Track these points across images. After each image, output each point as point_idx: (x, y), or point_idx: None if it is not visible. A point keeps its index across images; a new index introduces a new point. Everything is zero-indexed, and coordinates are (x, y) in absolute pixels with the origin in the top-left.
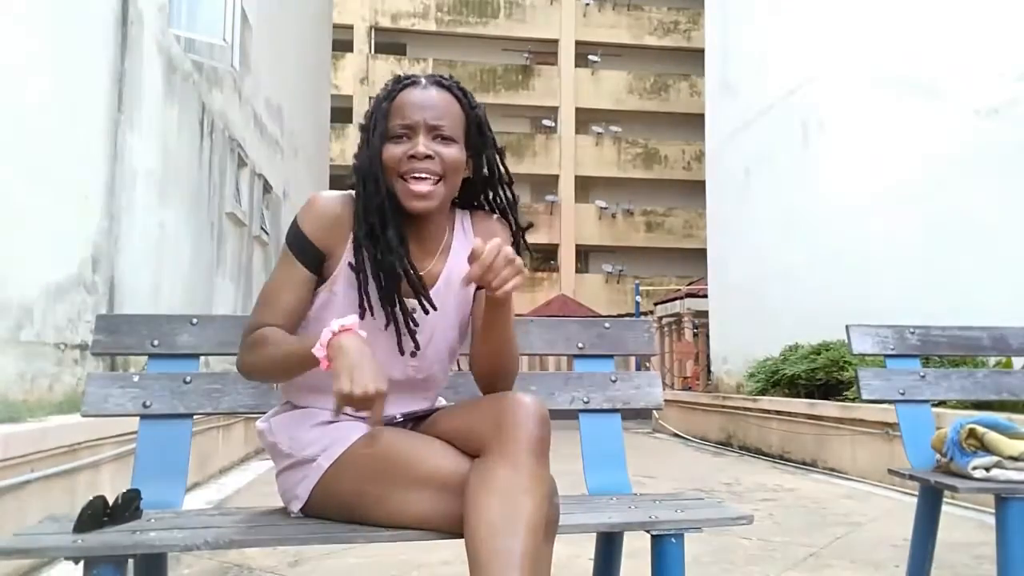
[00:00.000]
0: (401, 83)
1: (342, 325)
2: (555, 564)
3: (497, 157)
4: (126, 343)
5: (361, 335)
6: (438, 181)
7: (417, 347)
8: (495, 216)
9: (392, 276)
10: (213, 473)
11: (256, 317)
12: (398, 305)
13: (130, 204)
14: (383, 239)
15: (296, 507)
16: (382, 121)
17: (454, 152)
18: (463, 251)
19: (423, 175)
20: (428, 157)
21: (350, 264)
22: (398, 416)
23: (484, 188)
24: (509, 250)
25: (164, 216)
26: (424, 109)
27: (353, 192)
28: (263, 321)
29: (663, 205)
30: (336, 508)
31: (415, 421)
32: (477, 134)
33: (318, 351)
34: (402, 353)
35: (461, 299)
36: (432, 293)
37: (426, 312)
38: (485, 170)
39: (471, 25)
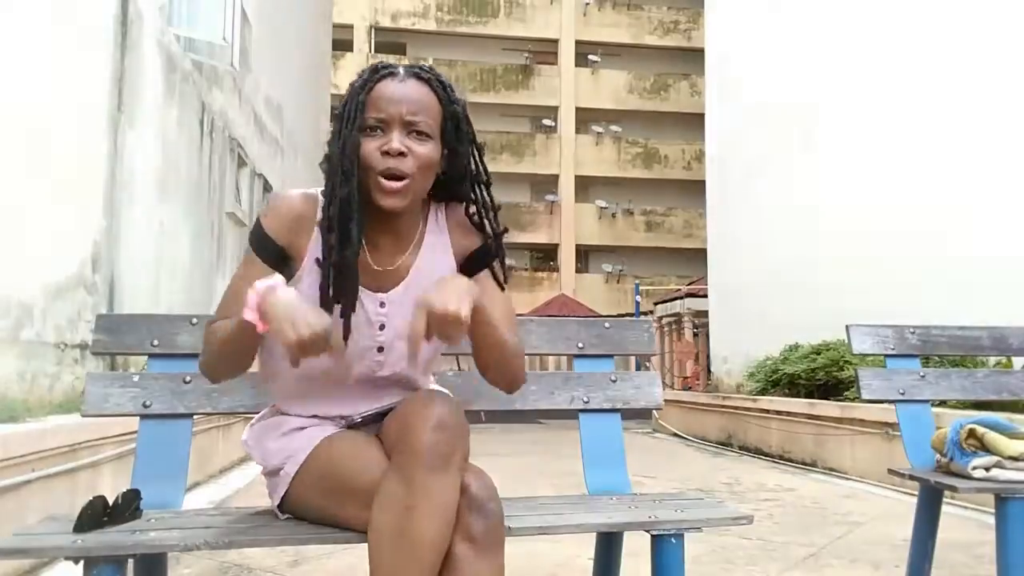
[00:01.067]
0: (378, 73)
1: (266, 285)
2: (555, 564)
3: (475, 154)
4: (126, 343)
5: (288, 289)
6: (409, 178)
7: (345, 336)
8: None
9: (347, 269)
10: (213, 473)
11: (214, 313)
12: (346, 300)
13: (130, 203)
14: (343, 232)
15: (282, 516)
16: (359, 113)
17: (428, 149)
18: (435, 246)
19: (395, 173)
20: (401, 154)
21: (317, 260)
22: (356, 417)
23: (459, 185)
24: (435, 307)
25: (164, 215)
26: (400, 103)
27: (316, 191)
28: (217, 314)
29: (663, 205)
30: (307, 515)
31: (382, 417)
32: (454, 130)
33: (248, 315)
34: (345, 339)
35: None
36: (401, 287)
37: (345, 312)
38: (461, 167)
39: (471, 25)
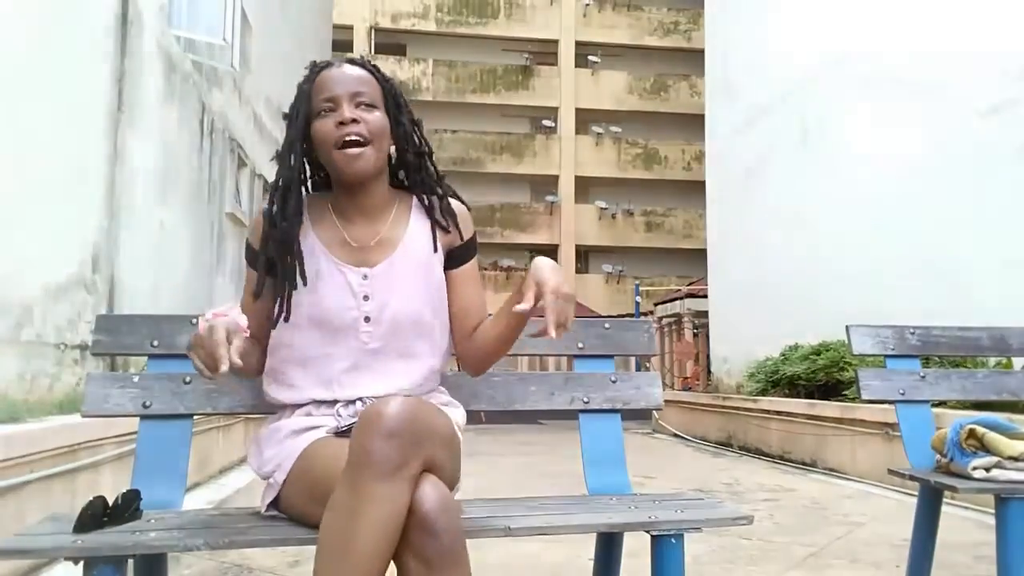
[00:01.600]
0: (318, 67)
1: (214, 312)
2: (555, 564)
3: (416, 129)
4: (126, 343)
5: (236, 319)
6: (367, 144)
7: (280, 315)
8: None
9: (286, 241)
10: (213, 473)
11: None
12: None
13: (130, 204)
14: (283, 205)
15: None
16: (305, 103)
17: (378, 116)
18: (422, 231)
19: (354, 137)
20: (355, 121)
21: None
22: (342, 426)
23: (405, 157)
24: (562, 288)
25: (164, 216)
26: (344, 82)
27: None
28: None
29: (663, 205)
30: (298, 520)
31: None
32: (394, 102)
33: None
34: (284, 318)
35: (423, 276)
36: (386, 263)
37: (294, 285)
38: (405, 138)
39: (471, 25)
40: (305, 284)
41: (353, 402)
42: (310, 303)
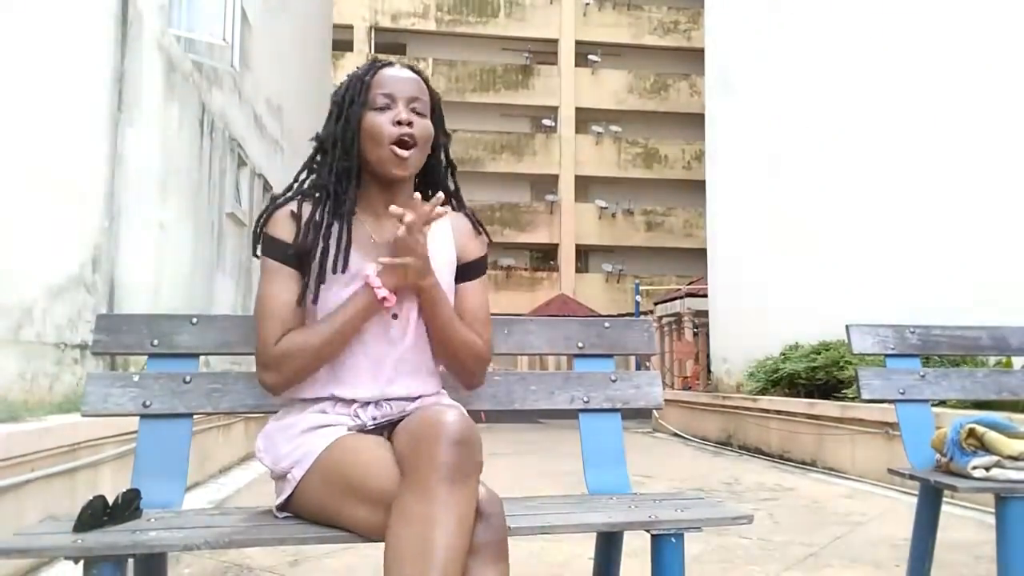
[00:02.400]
0: (378, 63)
1: (371, 273)
2: (555, 564)
3: (447, 143)
4: (126, 342)
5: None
6: (415, 147)
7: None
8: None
9: (344, 231)
10: (213, 473)
11: (267, 332)
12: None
13: (130, 204)
14: (343, 197)
15: (280, 516)
16: (362, 93)
17: (427, 123)
18: (443, 237)
19: (407, 139)
20: (410, 123)
21: (312, 227)
22: (369, 423)
23: (436, 168)
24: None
25: (164, 216)
26: (403, 83)
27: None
28: (276, 332)
29: (663, 205)
30: (311, 516)
31: (391, 427)
32: (438, 116)
33: (380, 291)
34: (334, 271)
35: (443, 281)
36: None
37: (335, 269)
38: (439, 149)
39: (471, 25)
40: (346, 268)
41: (368, 404)
42: (338, 297)
